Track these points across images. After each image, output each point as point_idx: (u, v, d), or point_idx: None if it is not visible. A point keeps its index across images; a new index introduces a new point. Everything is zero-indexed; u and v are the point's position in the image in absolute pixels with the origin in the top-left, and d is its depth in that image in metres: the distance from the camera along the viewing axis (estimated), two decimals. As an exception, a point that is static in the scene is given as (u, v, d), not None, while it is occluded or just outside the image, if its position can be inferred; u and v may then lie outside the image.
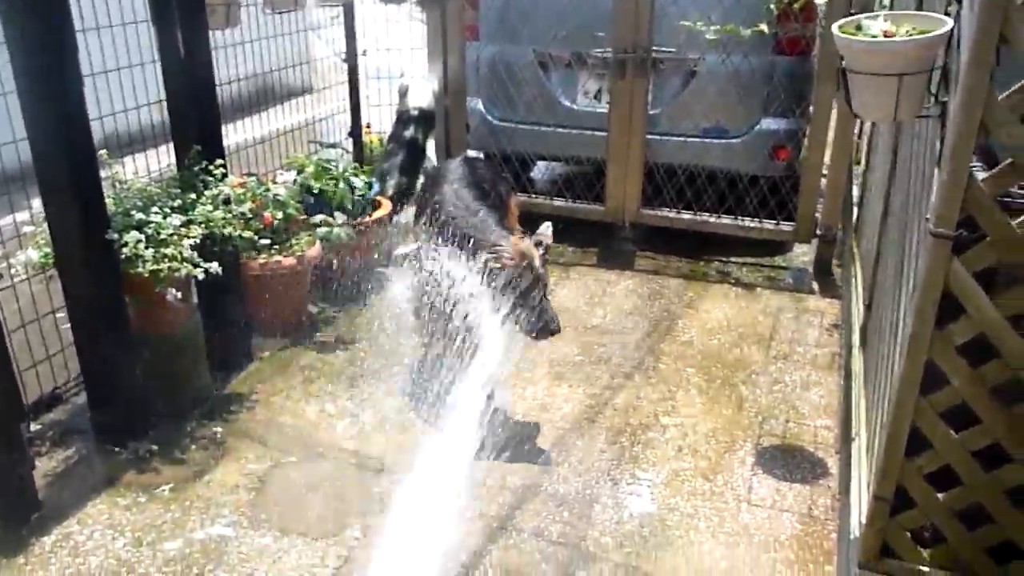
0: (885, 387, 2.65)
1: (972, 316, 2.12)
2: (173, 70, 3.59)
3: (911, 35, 2.22)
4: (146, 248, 3.24)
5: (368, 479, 3.34)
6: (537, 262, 3.30)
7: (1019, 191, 2.05)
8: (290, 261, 4.23)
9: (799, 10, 4.98)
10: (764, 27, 4.87)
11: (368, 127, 5.99)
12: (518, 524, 3.09)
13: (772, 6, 4.85)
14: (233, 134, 5.50)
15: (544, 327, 3.28)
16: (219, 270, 3.40)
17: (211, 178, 3.68)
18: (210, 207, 3.55)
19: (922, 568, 2.44)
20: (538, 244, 3.39)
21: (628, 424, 3.70)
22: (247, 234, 3.66)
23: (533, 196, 5.99)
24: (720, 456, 3.50)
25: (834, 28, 2.32)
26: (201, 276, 3.35)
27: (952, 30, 2.16)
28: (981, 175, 2.03)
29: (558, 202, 5.85)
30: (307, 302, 4.60)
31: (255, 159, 5.41)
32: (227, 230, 3.56)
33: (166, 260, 3.26)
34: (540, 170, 7.04)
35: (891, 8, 4.24)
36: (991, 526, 2.35)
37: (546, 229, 3.52)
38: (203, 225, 3.50)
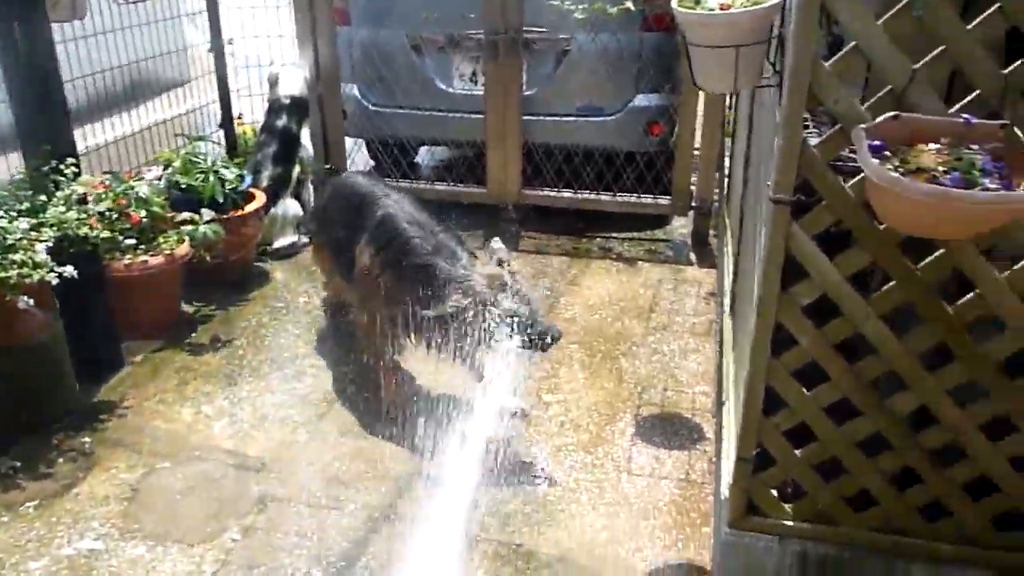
0: (746, 350, 2.73)
1: (814, 278, 2.19)
2: (14, 67, 3.41)
3: (746, 7, 2.28)
4: (-8, 255, 3.08)
5: (248, 479, 3.26)
6: (507, 279, 3.24)
7: (851, 155, 2.12)
8: (157, 260, 4.09)
9: (663, -14, 5.07)
10: (630, 4, 4.93)
11: (240, 118, 5.83)
12: (400, 512, 3.07)
13: (637, -17, 4.92)
14: (101, 132, 5.30)
15: (547, 338, 3.20)
16: (74, 273, 3.25)
17: (63, 178, 3.52)
18: (63, 208, 3.40)
19: (786, 522, 2.53)
20: (500, 263, 3.35)
21: (511, 404, 3.72)
22: (107, 234, 3.52)
23: (416, 182, 5.94)
24: (601, 429, 3.55)
25: (673, 2, 2.36)
26: (55, 281, 3.21)
27: (783, 1, 2.22)
28: (814, 141, 2.10)
29: (440, 186, 5.82)
30: (180, 302, 4.46)
31: (126, 155, 5.22)
32: (83, 231, 3.41)
33: (15, 266, 3.10)
34: (424, 156, 7.00)
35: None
36: (846, 477, 2.45)
37: (496, 243, 3.49)
38: (55, 227, 3.35)
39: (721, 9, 2.27)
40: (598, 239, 5.55)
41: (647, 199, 5.48)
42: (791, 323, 2.25)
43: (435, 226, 3.47)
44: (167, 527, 3.00)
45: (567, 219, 5.64)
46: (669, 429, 3.55)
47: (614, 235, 5.59)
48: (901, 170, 1.82)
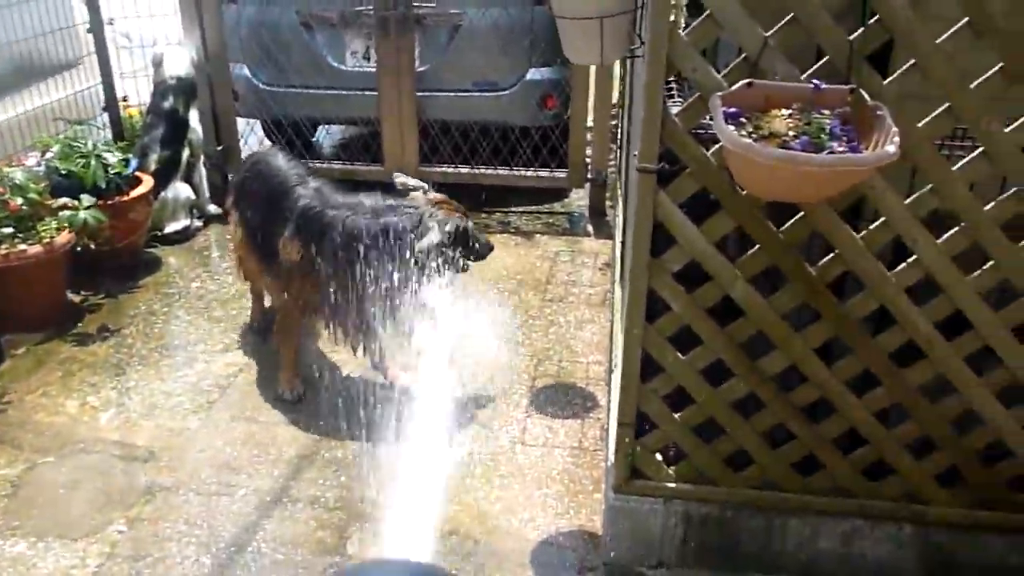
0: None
1: (682, 244, 2.24)
2: None
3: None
4: None
5: (135, 469, 3.19)
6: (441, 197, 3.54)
7: (711, 121, 2.17)
8: (36, 249, 3.94)
9: (552, -40, 5.07)
10: (518, -23, 4.94)
11: (125, 100, 5.63)
12: (294, 495, 3.05)
13: (524, -44, 4.92)
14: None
15: (486, 248, 3.56)
16: (-58, 265, 3.12)
17: (-74, 166, 3.36)
18: (-72, 197, 3.25)
19: (669, 484, 2.60)
20: (417, 190, 3.56)
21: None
22: (-24, 223, 3.38)
23: (312, 161, 5.84)
24: (496, 403, 3.58)
25: (540, -26, 2.37)
26: (-79, 273, 3.07)
27: (645, -29, 2.25)
28: (675, 110, 2.14)
29: (337, 165, 5.76)
30: (65, 291, 4.31)
31: (6, 141, 4.99)
32: (-48, 221, 3.27)
33: None
34: (321, 135, 6.89)
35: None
36: (724, 437, 2.53)
37: (399, 176, 3.66)
38: (-80, 217, 3.20)
39: (585, -19, 2.29)
40: (497, 214, 5.56)
41: (544, 173, 5.51)
42: (663, 289, 2.30)
43: (360, 198, 3.44)
44: (49, 523, 2.91)
45: (466, 195, 5.58)
46: (563, 399, 3.60)
47: (513, 209, 5.62)
48: (754, 136, 1.88)
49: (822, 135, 1.88)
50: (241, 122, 5.82)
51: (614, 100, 5.59)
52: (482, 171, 5.52)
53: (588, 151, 5.43)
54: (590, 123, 5.35)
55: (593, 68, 5.16)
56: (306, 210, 3.38)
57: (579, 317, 4.26)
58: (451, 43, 5.44)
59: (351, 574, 2.77)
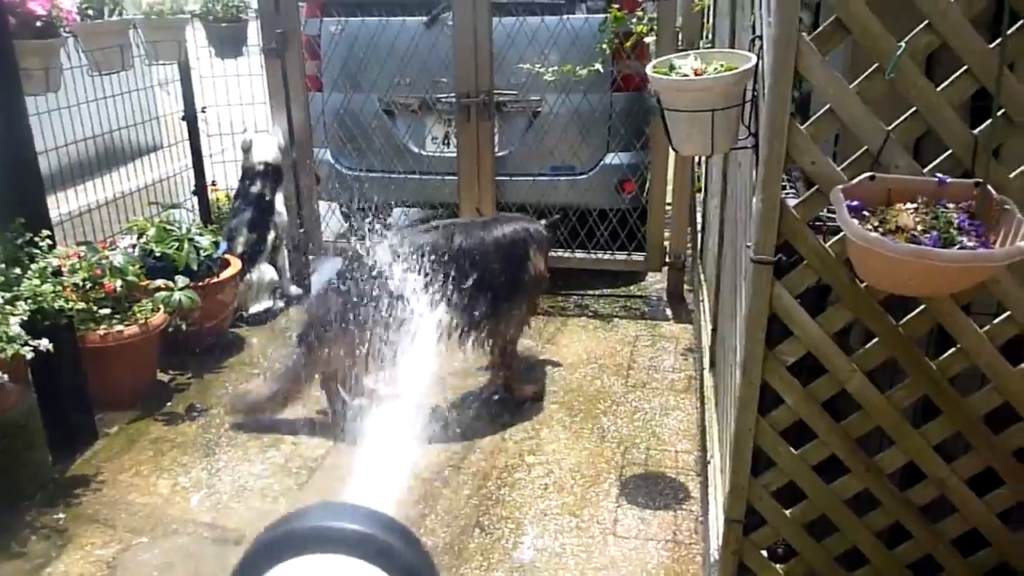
0: (730, 409, 2.73)
1: (798, 336, 2.21)
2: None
3: (720, 72, 2.33)
4: (-36, 330, 3.03)
5: (226, 553, 3.18)
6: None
7: (829, 214, 2.16)
8: (132, 330, 4.04)
9: (631, 48, 5.18)
10: (599, 66, 5.04)
11: (214, 184, 5.82)
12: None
13: (605, 46, 5.03)
14: (75, 199, 5.25)
15: None
16: (49, 347, 3.21)
17: (37, 250, 3.48)
18: (38, 281, 3.36)
19: (778, 583, 2.51)
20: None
21: (494, 467, 3.69)
22: (82, 306, 3.48)
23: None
24: (586, 490, 3.52)
25: (648, 69, 2.41)
26: (31, 355, 3.16)
27: (756, 65, 2.27)
28: (792, 202, 2.13)
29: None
30: (156, 371, 4.40)
31: (99, 224, 5.17)
32: (58, 303, 3.37)
33: (-12, 342, 3.06)
34: (397, 217, 7.01)
35: (713, 45, 4.46)
36: (837, 535, 2.45)
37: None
38: (30, 300, 3.30)
39: (695, 74, 2.32)
40: (574, 297, 5.56)
41: (621, 256, 5.52)
42: (777, 382, 2.26)
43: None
44: (145, 606, 2.92)
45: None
46: (654, 489, 3.53)
47: (590, 292, 5.61)
48: (880, 229, 1.86)
49: (951, 230, 1.85)
50: (322, 205, 5.96)
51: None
52: (559, 254, 5.55)
53: (665, 234, 5.43)
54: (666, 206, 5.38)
55: (672, 153, 5.19)
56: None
57: (664, 403, 4.20)
58: (530, 128, 5.54)
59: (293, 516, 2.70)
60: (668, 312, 5.32)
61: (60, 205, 4.73)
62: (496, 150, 5.46)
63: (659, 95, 2.42)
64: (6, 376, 3.15)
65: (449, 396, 4.23)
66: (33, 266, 3.44)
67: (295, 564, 0.79)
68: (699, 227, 5.45)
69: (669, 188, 5.31)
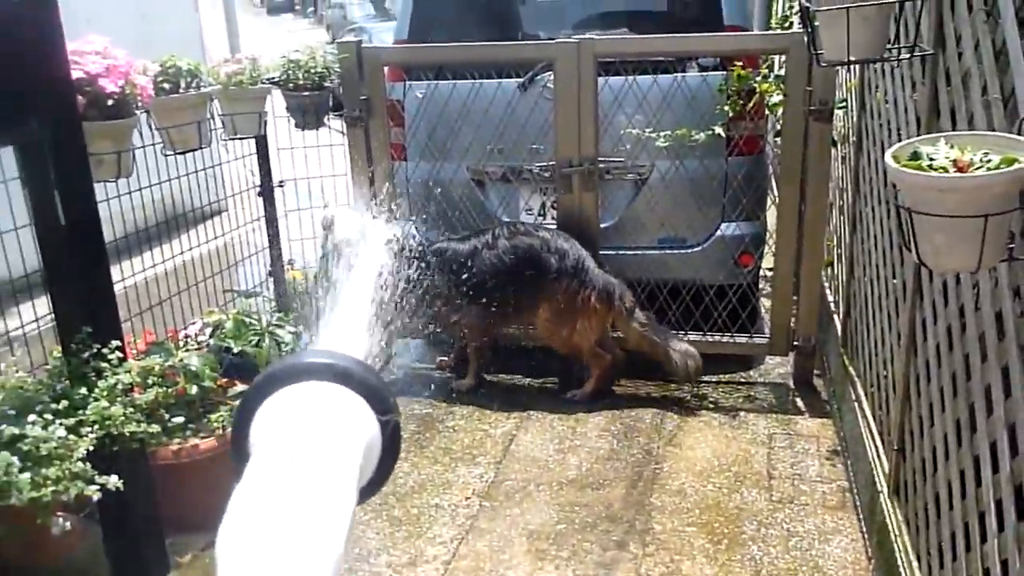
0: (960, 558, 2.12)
1: None
2: (52, 239, 2.96)
3: (985, 161, 1.76)
4: (20, 472, 2.55)
5: None
6: None
7: None
8: (209, 443, 3.56)
9: (751, 108, 4.65)
10: (720, 130, 4.53)
11: (291, 264, 5.39)
12: None
13: (726, 107, 4.50)
14: (144, 288, 4.82)
15: None
16: (120, 484, 2.73)
17: (106, 364, 3.02)
18: (106, 403, 2.89)
19: None
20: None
21: (632, 615, 3.10)
22: (155, 428, 3.01)
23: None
24: (750, 650, 2.92)
25: (888, 158, 1.85)
26: (97, 496, 2.68)
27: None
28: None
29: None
30: (232, 486, 3.90)
31: (169, 311, 4.73)
32: (129, 428, 2.89)
33: (49, 483, 2.58)
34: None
35: (864, 108, 3.89)
36: None
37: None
38: (97, 425, 2.83)
39: (957, 169, 1.75)
40: (689, 385, 4.96)
41: (741, 338, 4.94)
42: None
43: None
44: None
45: (652, 362, 5.05)
46: (835, 648, 2.91)
47: (705, 378, 5.00)
48: None
49: None
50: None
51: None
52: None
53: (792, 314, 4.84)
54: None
55: (794, 222, 4.62)
56: None
57: (820, 525, 3.57)
58: (637, 197, 5.02)
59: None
60: (800, 404, 4.69)
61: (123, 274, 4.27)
62: (600, 221, 4.95)
63: (902, 193, 1.86)
64: (68, 524, 2.67)
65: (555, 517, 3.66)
66: (101, 383, 2.97)
67: (282, 392, 1.03)
68: (833, 307, 4.84)
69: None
